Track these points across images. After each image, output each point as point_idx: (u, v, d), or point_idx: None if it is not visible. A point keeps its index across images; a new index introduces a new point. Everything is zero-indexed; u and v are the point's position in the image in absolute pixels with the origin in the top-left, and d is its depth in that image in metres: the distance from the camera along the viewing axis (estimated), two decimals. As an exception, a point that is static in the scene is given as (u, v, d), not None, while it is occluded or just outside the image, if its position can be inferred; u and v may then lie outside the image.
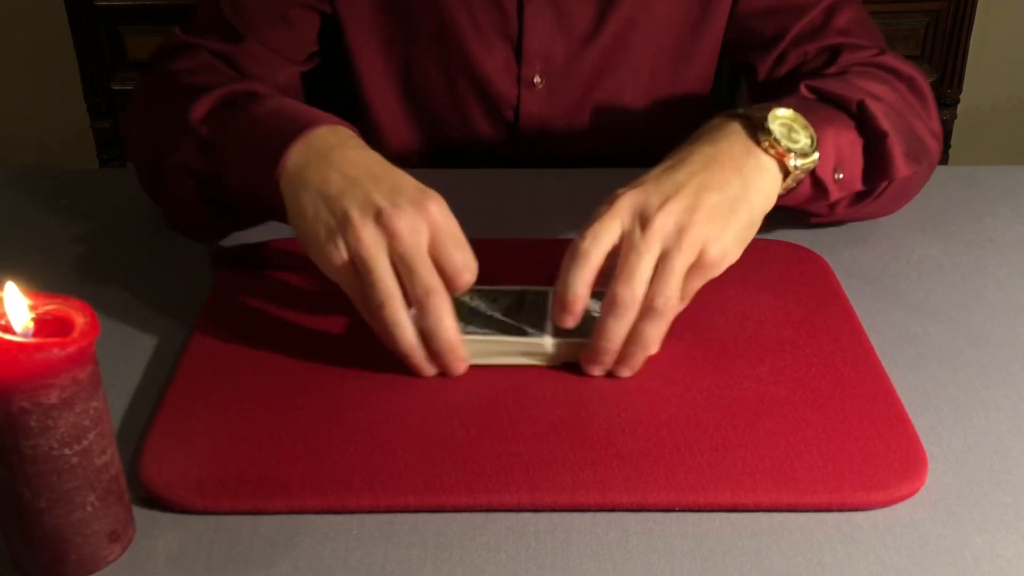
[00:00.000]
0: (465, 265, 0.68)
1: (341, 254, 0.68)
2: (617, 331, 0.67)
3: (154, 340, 0.76)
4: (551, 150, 1.05)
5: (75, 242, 0.89)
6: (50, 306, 0.54)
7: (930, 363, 0.74)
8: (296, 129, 0.73)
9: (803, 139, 0.75)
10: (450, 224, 0.68)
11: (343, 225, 0.67)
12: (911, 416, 0.67)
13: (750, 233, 0.72)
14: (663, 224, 0.67)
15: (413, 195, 0.68)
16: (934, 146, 0.89)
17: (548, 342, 0.70)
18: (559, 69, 1.01)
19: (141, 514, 0.60)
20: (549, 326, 0.71)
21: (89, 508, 0.55)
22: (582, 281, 0.67)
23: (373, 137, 1.07)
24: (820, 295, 0.80)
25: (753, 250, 0.85)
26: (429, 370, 0.69)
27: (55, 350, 0.51)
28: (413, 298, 0.67)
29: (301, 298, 0.79)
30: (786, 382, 0.70)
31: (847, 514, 0.61)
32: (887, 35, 1.85)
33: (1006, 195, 0.97)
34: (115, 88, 1.95)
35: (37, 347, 0.51)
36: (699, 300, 0.78)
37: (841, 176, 0.79)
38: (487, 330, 0.71)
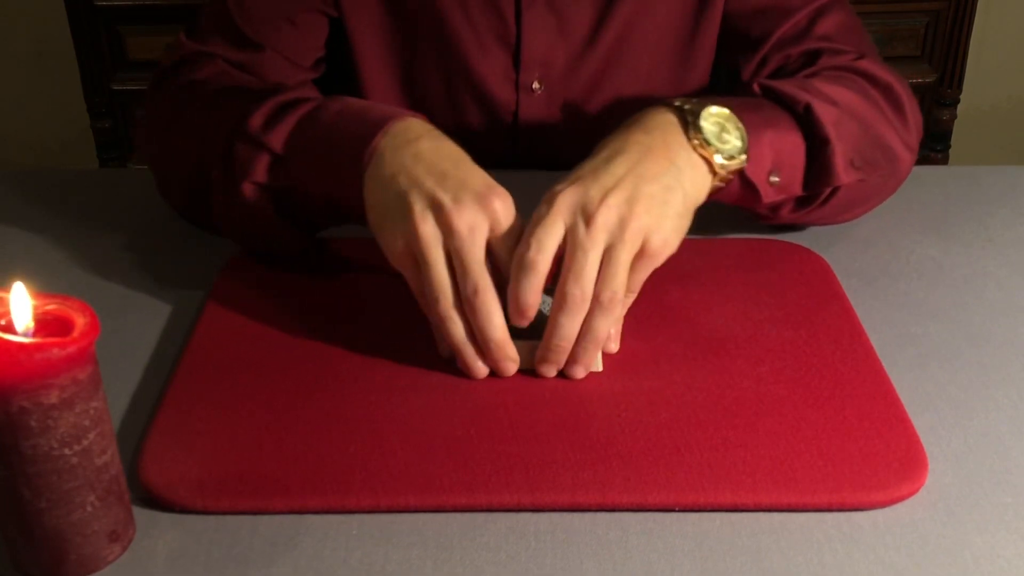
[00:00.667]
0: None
1: (401, 246, 0.69)
2: (569, 328, 0.68)
3: (154, 340, 0.76)
4: (550, 155, 1.05)
5: (75, 242, 0.89)
6: (50, 306, 0.54)
7: (930, 363, 0.74)
8: (373, 126, 0.74)
9: (733, 140, 0.75)
10: (511, 221, 0.70)
11: (405, 218, 0.69)
12: (911, 416, 0.67)
13: (685, 222, 0.72)
14: (606, 218, 0.68)
15: (478, 191, 0.69)
16: (904, 156, 0.88)
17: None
18: (558, 74, 1.01)
19: (141, 514, 0.60)
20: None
21: (89, 508, 0.55)
22: (532, 291, 0.68)
23: None
24: (820, 295, 0.80)
25: (753, 250, 0.86)
26: (480, 370, 0.70)
27: (55, 350, 0.51)
28: (464, 297, 0.68)
29: (302, 299, 0.79)
30: (786, 382, 0.70)
31: (847, 514, 0.61)
32: (887, 35, 1.83)
33: (1006, 195, 0.97)
34: (115, 88, 1.95)
35: (37, 347, 0.51)
36: (699, 300, 0.78)
37: (777, 179, 0.79)
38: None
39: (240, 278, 0.82)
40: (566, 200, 0.69)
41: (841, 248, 0.87)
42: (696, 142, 0.74)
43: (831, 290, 0.80)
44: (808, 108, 0.80)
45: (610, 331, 0.71)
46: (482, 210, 0.68)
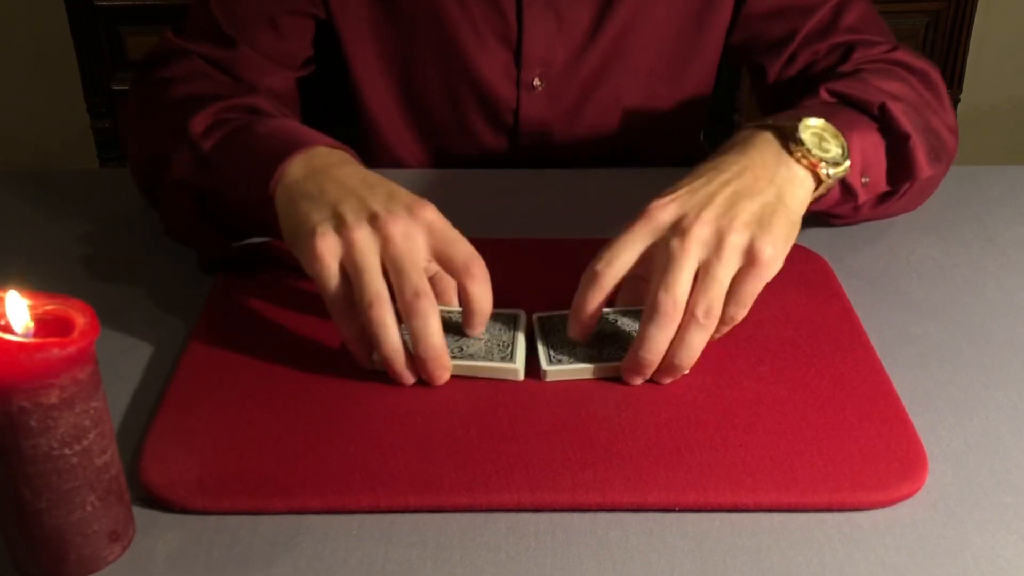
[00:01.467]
0: (471, 255, 0.68)
1: (330, 254, 0.67)
2: (659, 339, 0.66)
3: (154, 340, 0.76)
4: (551, 153, 1.05)
5: (75, 242, 0.89)
6: (50, 306, 0.54)
7: (930, 363, 0.73)
8: (295, 145, 0.74)
9: (834, 148, 0.75)
10: (445, 224, 0.69)
11: (338, 227, 0.67)
12: (911, 416, 0.67)
13: (793, 233, 0.71)
14: (701, 232, 0.67)
15: (408, 201, 0.69)
16: (951, 140, 0.90)
17: (521, 369, 0.70)
18: (558, 72, 1.01)
19: (141, 514, 0.60)
20: (520, 354, 0.70)
21: (89, 508, 0.55)
22: (593, 302, 0.68)
23: (373, 142, 1.07)
24: (820, 295, 0.80)
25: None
26: (409, 378, 0.68)
27: (55, 350, 0.51)
28: (401, 302, 0.66)
29: (301, 298, 0.79)
30: (786, 382, 0.70)
31: (847, 514, 0.61)
32: (887, 35, 1.82)
33: (1006, 195, 0.97)
34: (115, 88, 1.95)
35: (37, 347, 0.51)
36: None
37: (867, 180, 0.80)
38: (465, 353, 0.71)
39: (240, 278, 0.82)
40: (659, 215, 0.68)
41: (841, 248, 0.87)
42: (799, 154, 0.73)
43: (831, 290, 0.80)
44: (883, 107, 0.82)
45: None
46: (414, 220, 0.68)
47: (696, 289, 0.67)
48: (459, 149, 1.06)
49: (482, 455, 0.63)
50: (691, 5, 0.99)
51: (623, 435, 0.65)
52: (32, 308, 0.54)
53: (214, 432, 0.65)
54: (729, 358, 0.72)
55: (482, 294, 0.69)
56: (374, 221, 0.67)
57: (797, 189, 0.73)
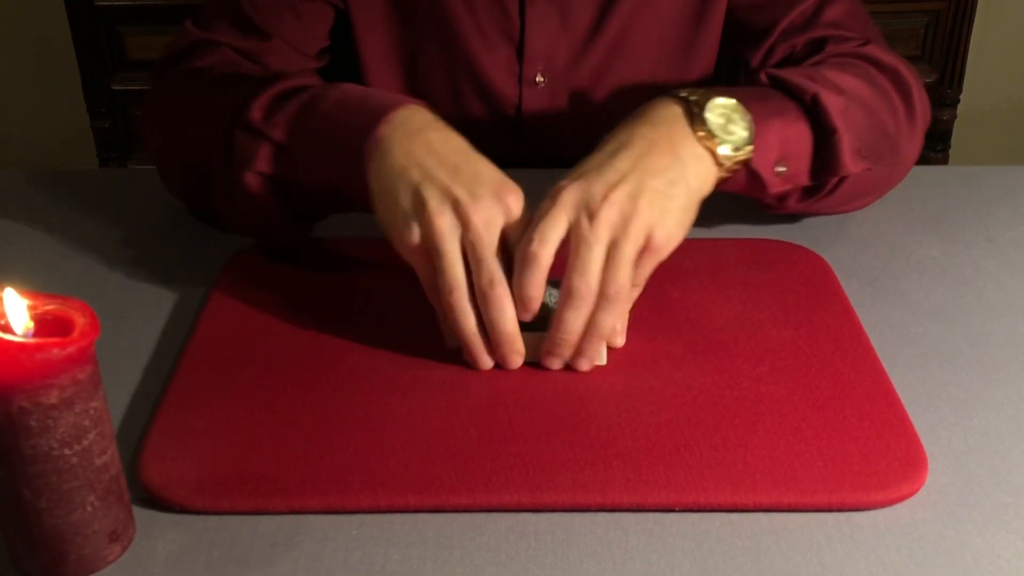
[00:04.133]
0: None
1: (416, 239, 0.69)
2: (575, 322, 0.69)
3: (154, 340, 0.76)
4: (553, 150, 1.05)
5: (75, 242, 0.89)
6: (50, 306, 0.54)
7: (930, 363, 0.73)
8: (374, 116, 0.74)
9: (739, 131, 0.75)
10: (522, 215, 0.70)
11: (420, 212, 0.69)
12: (911, 416, 0.67)
13: (690, 216, 0.73)
14: (609, 214, 0.68)
15: (493, 186, 0.70)
16: (909, 145, 0.88)
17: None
18: (561, 68, 1.01)
19: (141, 514, 0.60)
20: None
21: (89, 508, 0.55)
22: (535, 283, 0.68)
23: None
24: (820, 295, 0.80)
25: (753, 250, 0.86)
26: (486, 362, 0.70)
27: (55, 350, 0.51)
28: (478, 288, 0.68)
29: (301, 298, 0.79)
30: (786, 382, 0.70)
31: (847, 514, 0.61)
32: (887, 35, 1.84)
33: (1006, 195, 0.97)
34: (115, 88, 1.95)
35: (37, 347, 0.51)
36: (699, 300, 0.78)
37: (784, 169, 0.79)
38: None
39: (240, 278, 0.82)
40: (570, 195, 0.69)
41: (841, 248, 0.87)
42: (701, 134, 0.74)
43: (831, 290, 0.80)
44: (815, 98, 0.80)
45: (615, 325, 0.72)
46: (497, 204, 0.69)
47: (606, 269, 0.68)
48: None
49: (482, 455, 0.63)
50: (691, 1, 1.00)
51: (623, 435, 0.65)
52: (32, 308, 0.54)
53: (214, 432, 0.65)
54: (729, 358, 0.72)
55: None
56: (456, 207, 0.69)
57: (700, 166, 0.74)
